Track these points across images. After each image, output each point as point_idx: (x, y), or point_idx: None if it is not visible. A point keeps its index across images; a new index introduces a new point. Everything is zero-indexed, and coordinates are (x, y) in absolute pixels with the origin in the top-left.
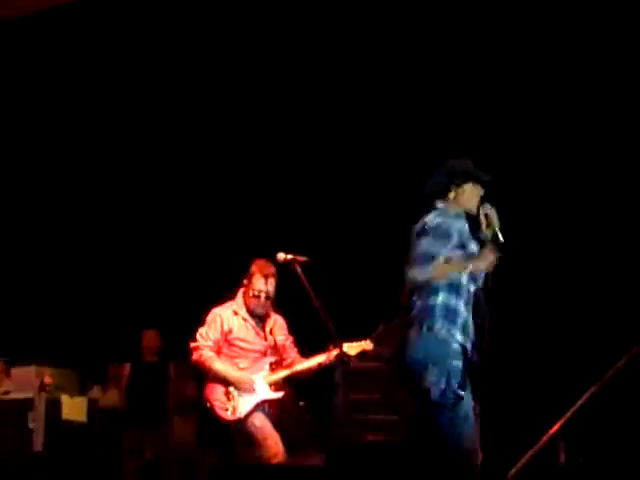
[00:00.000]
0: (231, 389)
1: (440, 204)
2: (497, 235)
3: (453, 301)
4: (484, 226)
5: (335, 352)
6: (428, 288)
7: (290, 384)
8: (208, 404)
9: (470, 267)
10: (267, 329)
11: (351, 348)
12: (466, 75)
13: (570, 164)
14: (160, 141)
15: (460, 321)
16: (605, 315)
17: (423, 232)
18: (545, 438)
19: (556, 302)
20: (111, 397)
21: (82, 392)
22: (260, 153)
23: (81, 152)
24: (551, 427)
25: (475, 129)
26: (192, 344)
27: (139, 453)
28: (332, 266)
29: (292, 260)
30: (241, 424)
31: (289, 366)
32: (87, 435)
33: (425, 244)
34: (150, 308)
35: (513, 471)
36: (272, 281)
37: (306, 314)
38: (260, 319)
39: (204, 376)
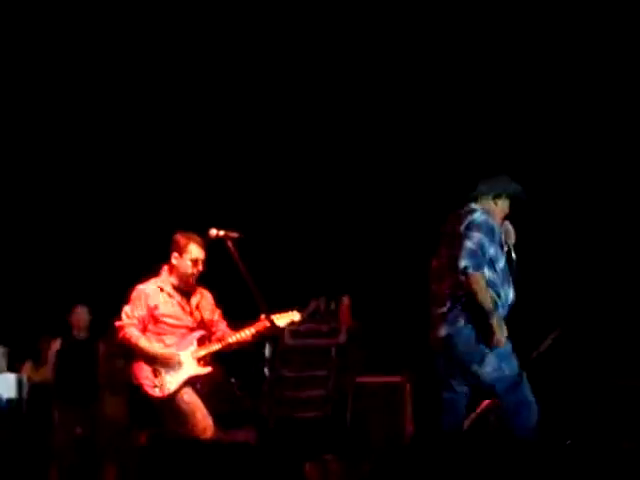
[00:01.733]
0: (158, 366)
1: (479, 206)
2: (511, 252)
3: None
4: (503, 240)
5: (265, 323)
6: None
7: (220, 360)
8: (136, 382)
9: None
10: (193, 304)
11: (280, 319)
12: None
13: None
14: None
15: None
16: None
17: (473, 227)
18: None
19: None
20: (43, 373)
21: (13, 368)
22: (188, 127)
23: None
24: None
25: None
26: (117, 323)
27: (69, 429)
28: (262, 241)
29: (224, 236)
30: (170, 401)
31: (219, 340)
32: (16, 411)
33: (477, 237)
34: (81, 283)
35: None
36: (204, 250)
37: (235, 289)
38: (186, 294)
39: (131, 354)
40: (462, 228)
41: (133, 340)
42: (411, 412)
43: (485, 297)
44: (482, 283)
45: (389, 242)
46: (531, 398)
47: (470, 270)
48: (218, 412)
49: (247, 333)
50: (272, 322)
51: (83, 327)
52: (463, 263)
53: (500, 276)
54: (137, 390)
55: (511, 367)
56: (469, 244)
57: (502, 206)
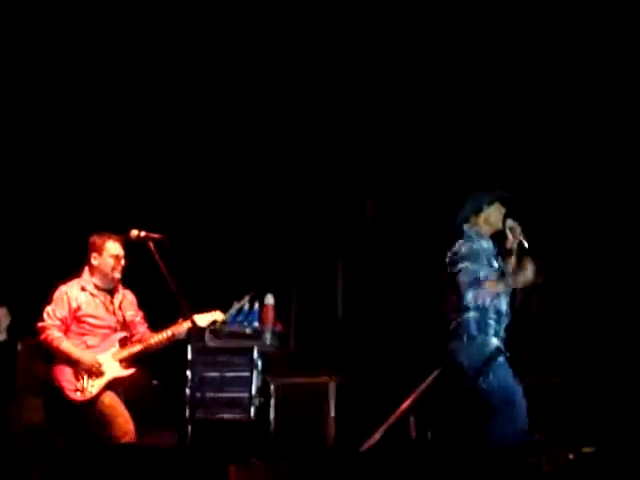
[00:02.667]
0: (80, 369)
1: (467, 227)
2: (522, 244)
3: (482, 318)
4: (511, 238)
5: (186, 324)
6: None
7: (142, 362)
8: (57, 385)
9: (511, 283)
10: (116, 304)
11: (202, 319)
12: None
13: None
14: None
15: (491, 331)
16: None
17: (462, 259)
18: (397, 413)
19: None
20: None
21: None
22: (112, 129)
23: None
24: (402, 402)
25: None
26: (39, 324)
27: None
28: (184, 242)
29: (145, 237)
30: (91, 404)
31: (140, 341)
32: None
33: (471, 269)
34: (1, 283)
35: (365, 445)
36: (123, 245)
37: (158, 290)
38: (109, 294)
39: (52, 356)
40: (448, 260)
41: (55, 342)
42: (335, 413)
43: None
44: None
45: (312, 241)
46: (523, 410)
47: (479, 301)
48: (139, 414)
49: (168, 334)
50: (193, 322)
51: (2, 328)
52: (469, 297)
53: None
54: (57, 393)
55: (507, 381)
56: (462, 278)
57: (489, 215)
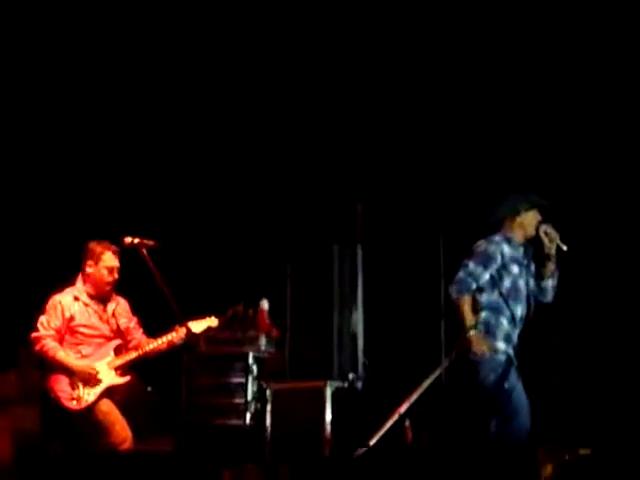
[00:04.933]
0: (75, 378)
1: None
2: (560, 247)
3: (493, 320)
4: (547, 243)
5: (181, 330)
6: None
7: (137, 369)
8: (53, 395)
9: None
10: (110, 312)
11: (196, 325)
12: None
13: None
14: None
15: (502, 334)
16: None
17: (472, 254)
18: (393, 417)
19: None
20: None
21: None
22: (105, 138)
23: None
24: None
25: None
26: (33, 334)
27: None
28: (178, 249)
29: (139, 244)
30: (88, 413)
31: (136, 348)
32: None
33: (471, 266)
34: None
35: (361, 450)
36: (118, 257)
37: (152, 296)
38: (102, 302)
39: (48, 366)
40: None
41: (50, 352)
42: (331, 418)
43: (464, 317)
44: (463, 306)
45: (306, 247)
46: (526, 407)
47: (453, 295)
48: (136, 421)
49: (164, 341)
50: (188, 329)
51: None
52: (450, 289)
53: (506, 295)
54: (53, 402)
55: (510, 380)
56: (460, 273)
57: (525, 219)
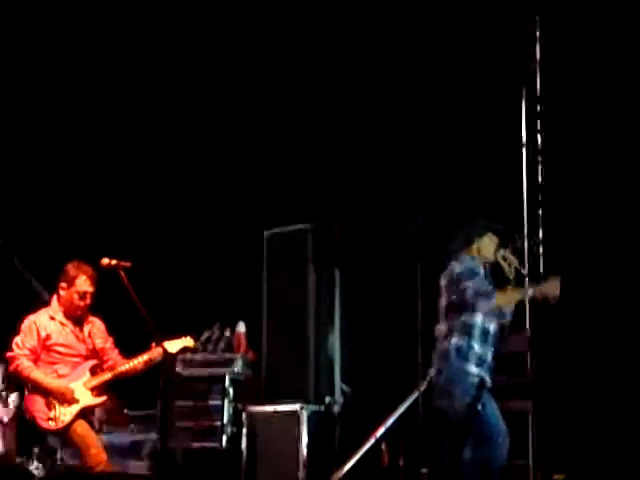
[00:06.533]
0: (51, 399)
1: (462, 255)
2: (519, 270)
3: (465, 343)
4: (506, 267)
5: (157, 350)
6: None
7: (113, 391)
8: (29, 415)
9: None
10: (86, 332)
11: (172, 345)
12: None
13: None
14: None
15: (474, 358)
16: None
17: (463, 277)
18: (370, 440)
19: None
20: None
21: None
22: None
23: None
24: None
25: None
26: (8, 354)
27: None
28: (155, 270)
29: (116, 265)
30: (64, 433)
31: (111, 368)
32: None
33: (477, 282)
34: None
35: (338, 474)
36: (95, 282)
37: (129, 317)
38: (78, 322)
39: (24, 386)
40: (445, 283)
41: (25, 372)
42: (307, 442)
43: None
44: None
45: (284, 268)
46: (502, 431)
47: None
48: (110, 443)
49: (139, 361)
50: (164, 348)
51: None
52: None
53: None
54: (29, 423)
55: (484, 403)
56: (470, 292)
57: (481, 246)
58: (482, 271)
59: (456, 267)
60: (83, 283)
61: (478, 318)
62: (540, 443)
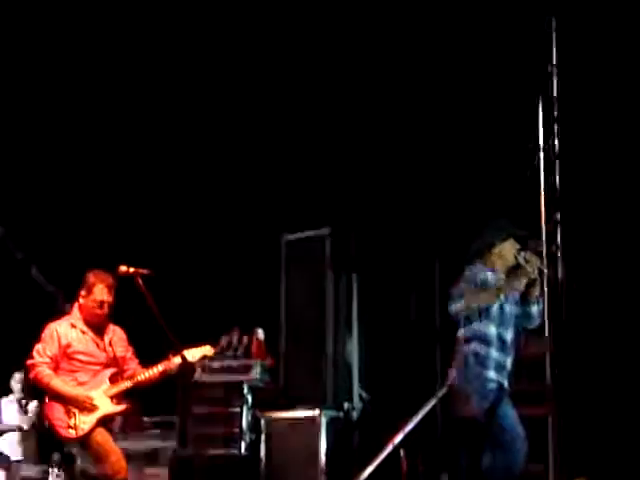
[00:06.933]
0: (71, 407)
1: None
2: (542, 270)
3: (483, 350)
4: (529, 269)
5: (176, 359)
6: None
7: (133, 398)
8: (48, 423)
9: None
10: (106, 341)
11: (192, 354)
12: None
13: None
14: None
15: (492, 364)
16: None
17: (463, 281)
18: (388, 446)
19: None
20: None
21: None
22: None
23: None
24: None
25: None
26: (29, 361)
27: None
28: (173, 277)
29: (134, 273)
30: (84, 441)
31: (130, 377)
32: None
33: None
34: None
35: None
36: (113, 291)
37: (147, 325)
38: (98, 331)
39: (44, 394)
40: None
41: (46, 379)
42: (325, 448)
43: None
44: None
45: (302, 273)
46: (521, 437)
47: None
48: (131, 450)
49: (158, 369)
50: (183, 357)
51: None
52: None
53: (494, 322)
54: (48, 430)
55: (503, 409)
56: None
57: (502, 250)
58: (491, 280)
59: (466, 274)
60: (100, 292)
61: (491, 327)
62: (560, 447)
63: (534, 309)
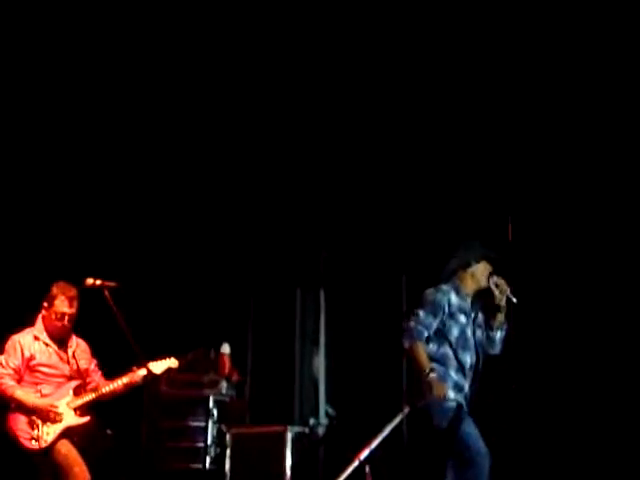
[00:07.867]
0: (35, 418)
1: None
2: (510, 298)
3: (441, 371)
4: (497, 294)
5: (141, 371)
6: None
7: (96, 411)
8: (11, 434)
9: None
10: (70, 353)
11: (157, 366)
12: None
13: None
14: None
15: (451, 384)
16: None
17: (422, 303)
18: (354, 462)
19: None
20: None
21: None
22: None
23: None
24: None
25: None
26: None
27: None
28: (140, 290)
29: (101, 285)
30: (47, 453)
31: (94, 389)
32: None
33: (422, 315)
34: None
35: None
36: (75, 303)
37: (113, 337)
38: (62, 343)
39: (6, 405)
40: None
41: (9, 391)
42: (291, 463)
43: (420, 361)
44: (418, 351)
45: (270, 291)
46: (483, 453)
47: (406, 344)
48: (94, 463)
49: (123, 381)
50: (148, 369)
51: None
52: (403, 340)
53: (454, 345)
54: (11, 442)
55: (463, 426)
56: (410, 322)
57: (476, 271)
58: (456, 303)
59: (429, 295)
60: (62, 304)
61: (447, 349)
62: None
63: (497, 335)
